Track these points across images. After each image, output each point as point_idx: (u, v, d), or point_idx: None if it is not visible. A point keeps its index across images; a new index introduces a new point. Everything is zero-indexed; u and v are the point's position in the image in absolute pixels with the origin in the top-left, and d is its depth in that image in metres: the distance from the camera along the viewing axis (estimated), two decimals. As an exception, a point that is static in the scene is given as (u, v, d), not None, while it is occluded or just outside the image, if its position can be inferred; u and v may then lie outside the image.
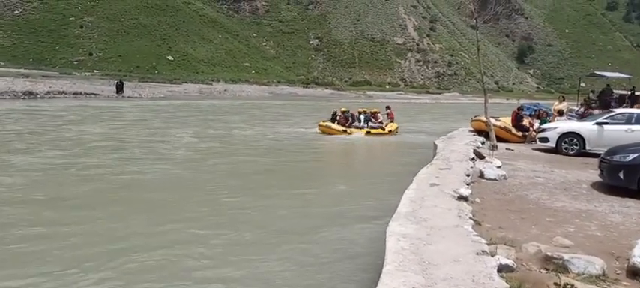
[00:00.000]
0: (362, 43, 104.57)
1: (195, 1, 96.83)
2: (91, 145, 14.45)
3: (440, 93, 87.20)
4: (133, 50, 76.39)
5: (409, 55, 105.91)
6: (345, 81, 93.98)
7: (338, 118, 20.44)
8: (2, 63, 61.80)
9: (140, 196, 8.94)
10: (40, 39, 73.85)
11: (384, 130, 20.15)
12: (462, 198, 5.85)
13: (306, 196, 9.29)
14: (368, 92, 79.32)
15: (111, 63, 71.92)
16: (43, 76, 47.44)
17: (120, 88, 39.80)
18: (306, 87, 78.97)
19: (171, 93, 46.89)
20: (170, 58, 78.24)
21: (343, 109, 20.91)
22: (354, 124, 20.11)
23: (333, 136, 19.30)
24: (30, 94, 32.93)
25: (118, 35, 79.15)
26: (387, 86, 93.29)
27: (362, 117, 20.53)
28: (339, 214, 8.04)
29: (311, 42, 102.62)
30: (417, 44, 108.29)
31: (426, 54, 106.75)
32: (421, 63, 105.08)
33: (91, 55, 73.79)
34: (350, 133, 19.49)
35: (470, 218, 5.01)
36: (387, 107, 22.37)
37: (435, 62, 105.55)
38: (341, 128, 19.76)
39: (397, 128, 20.92)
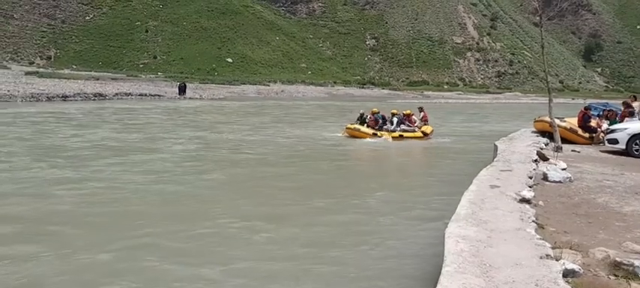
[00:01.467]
0: (419, 43, 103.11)
1: (254, 4, 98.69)
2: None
3: (500, 93, 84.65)
4: (194, 53, 78.87)
5: (468, 54, 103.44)
6: (402, 81, 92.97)
7: (368, 119, 19.14)
8: (75, 66, 65.46)
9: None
10: (108, 43, 77.60)
11: (418, 133, 18.79)
12: (524, 200, 5.67)
13: (353, 201, 9.32)
14: (425, 92, 78.17)
15: (173, 65, 74.57)
16: (112, 78, 49.87)
17: (182, 90, 41.21)
18: (363, 87, 78.78)
19: (230, 94, 48.07)
20: (229, 60, 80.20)
21: (374, 110, 19.51)
22: (385, 127, 18.72)
23: (362, 139, 17.99)
24: (100, 96, 34.71)
25: (180, 38, 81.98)
26: (446, 86, 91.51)
27: (395, 119, 19.04)
28: (396, 218, 8.02)
29: (367, 42, 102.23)
30: (477, 43, 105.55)
31: (486, 53, 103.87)
32: (481, 62, 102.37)
33: (155, 57, 76.80)
34: (380, 136, 18.21)
35: (533, 221, 4.86)
36: (420, 108, 20.94)
37: (496, 61, 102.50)
38: (371, 131, 18.36)
39: (432, 131, 19.49)
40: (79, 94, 33.64)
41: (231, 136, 18.20)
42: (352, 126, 18.86)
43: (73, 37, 76.89)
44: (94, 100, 33.22)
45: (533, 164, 8.48)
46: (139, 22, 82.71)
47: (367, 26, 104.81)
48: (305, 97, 54.48)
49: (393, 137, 18.38)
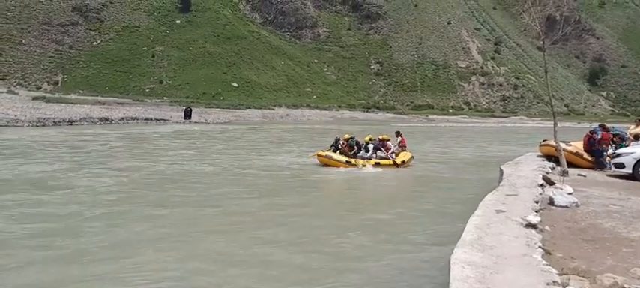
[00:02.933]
0: (424, 67, 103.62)
1: (259, 29, 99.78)
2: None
3: (505, 117, 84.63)
4: (199, 77, 79.51)
5: (473, 78, 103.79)
6: (407, 105, 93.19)
7: (341, 146, 17.32)
8: (82, 91, 66.05)
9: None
10: (115, 68, 78.40)
11: (394, 162, 16.99)
12: (530, 225, 5.62)
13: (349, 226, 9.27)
14: (430, 116, 78.28)
15: (179, 90, 75.12)
16: (118, 103, 50.22)
17: (188, 115, 41.41)
18: (367, 111, 79.01)
19: (235, 118, 48.27)
20: (235, 84, 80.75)
21: (347, 136, 17.63)
22: (359, 154, 17.08)
23: (334, 168, 16.27)
24: (105, 120, 34.90)
25: (186, 63, 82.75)
26: (450, 110, 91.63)
27: (371, 146, 17.37)
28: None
29: (372, 66, 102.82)
30: (481, 67, 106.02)
31: (491, 77, 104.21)
32: (485, 86, 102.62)
33: (161, 82, 77.44)
34: (354, 165, 16.51)
35: (539, 247, 4.81)
36: (398, 133, 19.02)
37: (500, 85, 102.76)
38: (344, 159, 16.66)
39: (411, 158, 17.74)
40: (85, 118, 33.85)
41: (186, 167, 15.95)
42: (324, 153, 17.01)
43: (81, 63, 77.74)
44: (100, 124, 33.43)
45: (539, 189, 8.42)
46: (145, 48, 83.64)
47: (372, 51, 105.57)
48: (310, 121, 54.61)
49: (365, 165, 16.75)
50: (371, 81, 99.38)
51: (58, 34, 79.90)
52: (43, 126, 29.92)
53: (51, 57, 76.31)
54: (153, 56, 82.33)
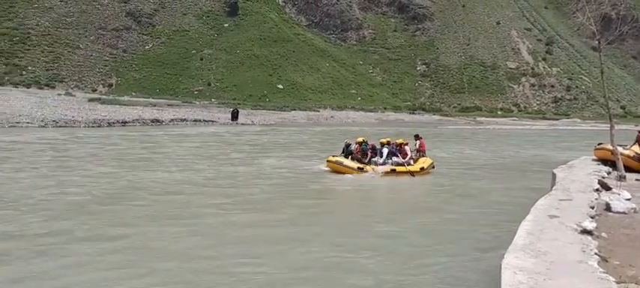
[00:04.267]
0: (471, 68, 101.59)
1: (305, 32, 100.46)
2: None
3: (557, 119, 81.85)
4: (246, 80, 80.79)
5: (523, 79, 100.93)
6: (454, 107, 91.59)
7: (354, 150, 16.03)
8: (134, 93, 68.36)
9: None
10: (165, 71, 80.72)
11: (414, 166, 15.64)
12: (585, 231, 5.44)
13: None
14: (478, 118, 76.69)
15: (227, 92, 76.58)
16: (168, 104, 51.70)
17: (235, 116, 42.16)
18: (413, 113, 78.17)
19: (281, 120, 48.79)
20: (280, 86, 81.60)
21: (360, 139, 16.34)
22: (373, 160, 15.77)
23: (345, 175, 14.96)
24: (157, 122, 36.02)
25: (233, 66, 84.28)
26: (499, 112, 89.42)
27: (385, 150, 15.93)
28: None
29: (418, 68, 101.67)
30: (532, 68, 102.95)
31: (542, 78, 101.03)
32: (536, 87, 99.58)
33: (209, 84, 79.18)
34: (366, 171, 15.17)
35: (595, 254, 4.65)
36: (417, 136, 17.28)
37: (552, 86, 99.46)
38: (356, 165, 15.31)
39: (431, 165, 16.24)
40: (137, 119, 35.08)
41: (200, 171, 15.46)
42: (334, 159, 15.78)
43: (133, 66, 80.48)
44: (151, 125, 34.53)
45: (595, 194, 8.12)
46: (194, 51, 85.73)
47: (418, 52, 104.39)
48: (355, 123, 54.57)
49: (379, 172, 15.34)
50: (417, 83, 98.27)
51: (113, 38, 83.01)
52: (98, 127, 31.16)
53: (106, 60, 79.37)
54: (201, 59, 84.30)
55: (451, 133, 43.58)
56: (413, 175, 15.28)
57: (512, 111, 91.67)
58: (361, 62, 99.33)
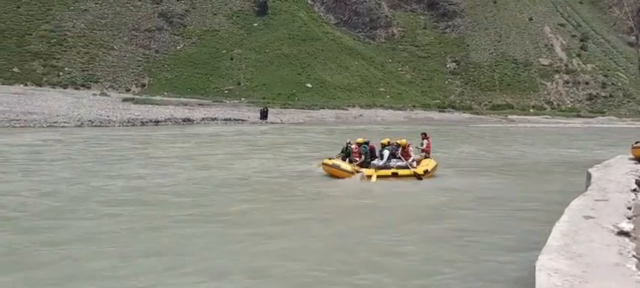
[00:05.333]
0: (503, 65, 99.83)
1: (334, 30, 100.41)
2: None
3: (592, 117, 79.80)
4: (275, 79, 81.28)
5: (556, 76, 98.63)
6: (484, 105, 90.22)
7: (352, 152, 14.74)
8: (166, 93, 69.59)
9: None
10: (196, 71, 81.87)
11: (414, 172, 14.12)
12: (622, 233, 5.34)
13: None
14: (509, 116, 75.47)
15: (256, 91, 77.20)
16: (199, 104, 52.49)
17: (264, 115, 42.51)
18: (443, 111, 77.35)
19: (309, 119, 48.96)
20: (309, 85, 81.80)
21: (360, 140, 14.99)
22: (373, 163, 14.39)
23: (343, 179, 13.68)
24: (188, 121, 36.62)
25: (262, 65, 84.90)
26: (531, 110, 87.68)
27: (386, 152, 14.57)
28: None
29: (448, 65, 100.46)
30: (566, 65, 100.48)
31: (576, 75, 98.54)
32: (570, 84, 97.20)
33: (239, 84, 79.98)
34: (364, 177, 13.82)
35: (633, 256, 4.57)
36: (424, 135, 16.08)
37: (587, 83, 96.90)
38: (354, 168, 14.03)
39: (436, 167, 14.93)
40: (169, 119, 35.75)
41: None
42: (330, 161, 14.42)
43: (165, 66, 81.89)
44: (182, 124, 35.14)
45: (632, 194, 7.94)
46: (224, 51, 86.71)
47: (448, 49, 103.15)
48: (384, 121, 54.34)
49: (380, 175, 13.86)
50: (447, 80, 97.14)
51: (146, 39, 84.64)
52: (132, 126, 31.87)
53: (139, 61, 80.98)
54: (231, 59, 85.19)
55: (481, 132, 43.01)
56: (420, 179, 13.98)
57: (545, 109, 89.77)
58: (390, 60, 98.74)
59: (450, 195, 12.54)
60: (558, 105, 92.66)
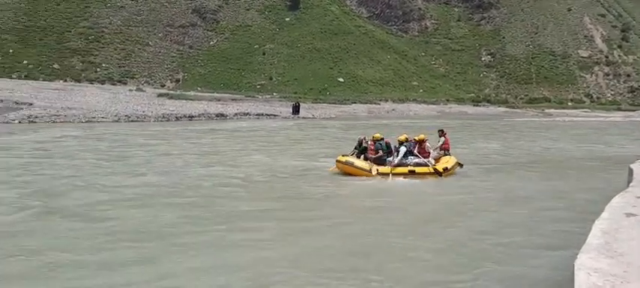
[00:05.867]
0: (540, 58, 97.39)
1: (366, 24, 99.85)
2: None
3: (634, 110, 77.08)
4: (307, 73, 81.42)
5: (596, 68, 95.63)
6: (520, 98, 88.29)
7: (368, 148, 14.10)
8: (199, 88, 70.58)
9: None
10: (229, 66, 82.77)
11: (434, 169, 13.56)
12: (667, 232, 5.12)
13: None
14: (547, 110, 73.66)
15: (288, 86, 77.51)
16: (232, 99, 53.04)
17: (296, 110, 42.61)
18: (477, 105, 76.04)
19: (341, 113, 48.87)
20: (341, 79, 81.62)
21: (377, 135, 14.25)
22: (387, 160, 13.76)
23: (359, 178, 13.13)
24: (221, 116, 37.07)
25: (294, 60, 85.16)
26: (570, 103, 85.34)
27: (402, 149, 13.80)
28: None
29: (483, 58, 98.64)
30: (606, 56, 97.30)
31: (617, 67, 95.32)
32: (611, 77, 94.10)
33: (271, 78, 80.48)
34: (380, 175, 13.21)
35: (678, 256, 4.37)
36: (441, 132, 15.20)
37: (628, 76, 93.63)
38: (369, 166, 13.45)
39: (456, 165, 14.34)
40: (203, 114, 36.28)
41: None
42: (343, 158, 13.81)
43: (199, 61, 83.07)
44: (216, 119, 35.59)
45: (677, 191, 7.60)
46: (257, 46, 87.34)
47: (482, 42, 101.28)
48: (417, 116, 53.80)
49: (396, 173, 13.22)
50: (481, 73, 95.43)
51: (180, 35, 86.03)
52: (167, 121, 32.47)
53: (173, 56, 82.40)
54: (264, 54, 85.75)
55: (517, 126, 42.13)
56: (440, 175, 13.43)
57: (584, 102, 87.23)
58: (423, 53, 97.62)
59: (472, 194, 11.89)
60: (598, 98, 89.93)
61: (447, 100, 78.05)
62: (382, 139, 14.13)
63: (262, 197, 11.05)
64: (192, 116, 35.19)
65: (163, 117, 33.19)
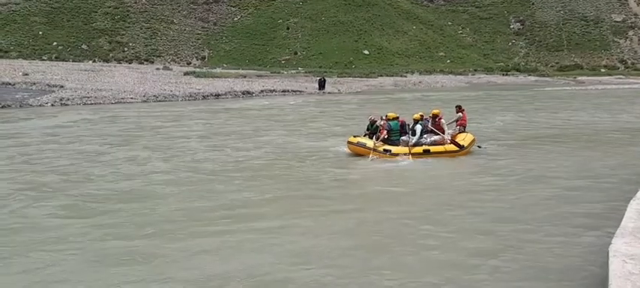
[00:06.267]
0: (571, 24, 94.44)
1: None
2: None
3: (671, 75, 74.45)
4: (332, 47, 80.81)
5: (630, 33, 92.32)
6: (551, 66, 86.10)
7: (380, 129, 13.21)
8: (225, 64, 70.86)
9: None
10: (253, 42, 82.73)
11: (451, 146, 13.07)
12: None
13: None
14: (578, 77, 71.75)
15: (312, 60, 77.16)
16: (257, 75, 53.05)
17: (322, 85, 42.37)
18: (506, 74, 74.44)
19: (367, 87, 48.42)
20: (366, 52, 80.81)
21: (390, 114, 13.38)
22: (402, 139, 13.04)
23: (369, 157, 12.51)
24: (247, 94, 37.17)
25: (318, 33, 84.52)
26: (603, 70, 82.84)
27: (418, 127, 13.01)
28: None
29: (512, 26, 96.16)
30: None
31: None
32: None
33: (296, 53, 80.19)
34: (395, 154, 12.54)
35: None
36: (459, 108, 14.38)
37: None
38: (382, 147, 12.70)
39: (472, 142, 13.58)
40: (229, 92, 36.36)
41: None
42: (355, 139, 13.22)
43: (223, 38, 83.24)
44: (242, 97, 35.71)
45: None
46: (280, 20, 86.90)
47: (511, 9, 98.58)
48: (444, 88, 53.01)
49: (414, 153, 12.53)
50: (510, 42, 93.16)
51: (204, 11, 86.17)
52: (194, 99, 32.72)
53: (198, 34, 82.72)
54: (288, 28, 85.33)
55: (545, 96, 41.17)
56: (462, 148, 13.02)
57: (618, 68, 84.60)
58: (450, 23, 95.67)
59: (492, 175, 11.38)
60: (632, 63, 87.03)
61: (475, 71, 76.64)
62: (397, 118, 13.29)
63: (268, 183, 10.34)
64: (219, 94, 35.35)
65: (190, 96, 33.43)
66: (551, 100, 36.77)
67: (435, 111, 13.63)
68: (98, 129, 18.40)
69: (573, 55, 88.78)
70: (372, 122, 13.67)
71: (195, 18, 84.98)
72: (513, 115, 24.89)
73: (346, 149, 13.47)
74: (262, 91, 38.76)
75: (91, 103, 28.28)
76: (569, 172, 11.60)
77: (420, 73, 69.13)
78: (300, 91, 40.63)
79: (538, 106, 30.87)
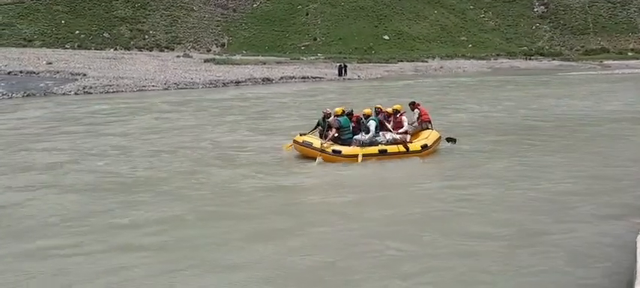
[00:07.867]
0: (597, 6, 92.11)
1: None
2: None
3: (702, 58, 72.27)
4: (351, 32, 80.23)
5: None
6: (576, 50, 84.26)
7: (328, 124, 11.29)
8: (244, 51, 70.88)
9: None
10: (273, 28, 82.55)
11: (414, 145, 11.27)
12: None
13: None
14: (605, 62, 70.08)
15: (332, 46, 76.72)
16: (277, 62, 52.95)
17: (342, 71, 42.07)
18: (529, 59, 73.10)
19: (387, 73, 47.99)
20: (386, 37, 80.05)
21: (338, 110, 11.36)
22: (355, 138, 11.01)
23: (316, 160, 10.70)
24: (267, 80, 37.13)
25: (338, 19, 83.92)
26: (630, 53, 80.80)
27: (372, 123, 11.15)
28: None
29: (535, 9, 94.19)
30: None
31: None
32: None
33: (315, 39, 79.81)
34: (346, 157, 10.69)
35: None
36: (413, 105, 12.71)
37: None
38: (331, 147, 10.78)
39: (438, 140, 11.88)
40: (249, 79, 36.40)
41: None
42: (301, 138, 11.37)
43: (243, 25, 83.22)
44: (262, 84, 35.69)
45: None
46: (300, 6, 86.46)
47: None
48: (466, 73, 52.24)
49: (366, 154, 10.72)
50: (534, 25, 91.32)
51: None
52: (215, 87, 32.82)
53: (217, 21, 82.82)
54: (307, 14, 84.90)
55: (568, 80, 40.26)
56: (421, 152, 11.20)
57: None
58: (472, 7, 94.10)
59: (458, 177, 9.81)
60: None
61: (498, 55, 75.42)
62: (350, 113, 11.42)
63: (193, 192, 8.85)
64: (239, 82, 35.41)
65: (211, 83, 33.55)
66: (566, 85, 35.88)
67: (397, 106, 12.01)
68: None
69: (599, 39, 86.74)
70: (325, 117, 11.55)
71: (215, 5, 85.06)
72: (507, 104, 23.34)
73: (285, 149, 11.81)
74: (282, 77, 38.69)
75: (113, 91, 28.52)
76: (560, 172, 10.29)
77: (441, 58, 68.30)
78: (319, 78, 40.44)
79: (544, 93, 30.10)
